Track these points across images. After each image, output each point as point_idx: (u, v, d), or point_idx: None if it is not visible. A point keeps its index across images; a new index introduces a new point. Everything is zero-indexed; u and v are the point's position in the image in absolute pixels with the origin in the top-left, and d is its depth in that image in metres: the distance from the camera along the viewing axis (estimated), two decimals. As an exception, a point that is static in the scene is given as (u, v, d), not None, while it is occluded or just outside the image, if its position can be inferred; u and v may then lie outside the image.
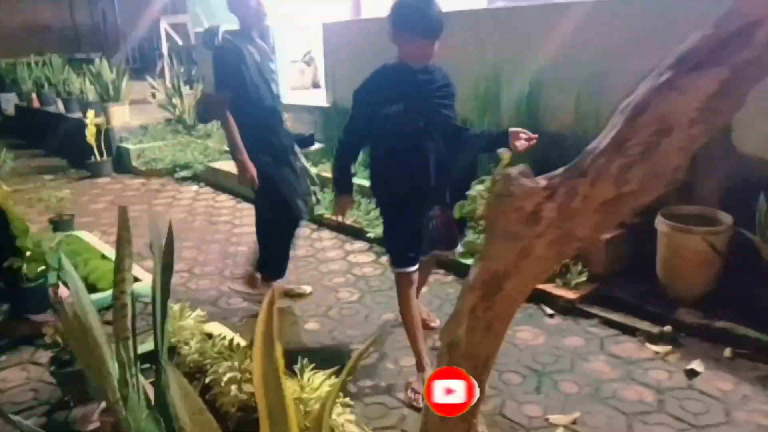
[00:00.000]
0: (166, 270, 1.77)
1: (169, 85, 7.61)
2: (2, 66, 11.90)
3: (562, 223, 1.36)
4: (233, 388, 2.13)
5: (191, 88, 7.44)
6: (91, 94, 7.44)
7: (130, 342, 1.54)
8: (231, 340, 2.43)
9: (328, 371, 2.09)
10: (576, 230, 1.36)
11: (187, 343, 2.64)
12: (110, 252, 4.14)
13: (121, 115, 7.14)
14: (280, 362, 1.09)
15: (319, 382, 2.04)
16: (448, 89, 2.40)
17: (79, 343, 1.51)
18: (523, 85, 3.74)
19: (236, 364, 2.21)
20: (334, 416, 1.95)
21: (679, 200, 3.20)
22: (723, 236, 2.89)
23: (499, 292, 1.48)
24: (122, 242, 1.59)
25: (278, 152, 3.01)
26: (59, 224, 4.66)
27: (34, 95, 9.66)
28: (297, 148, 3.17)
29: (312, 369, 2.10)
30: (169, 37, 8.99)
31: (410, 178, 2.38)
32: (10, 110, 11.07)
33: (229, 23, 3.02)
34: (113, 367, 1.48)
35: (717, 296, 2.92)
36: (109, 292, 3.40)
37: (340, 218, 2.74)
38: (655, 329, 2.84)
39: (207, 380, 2.26)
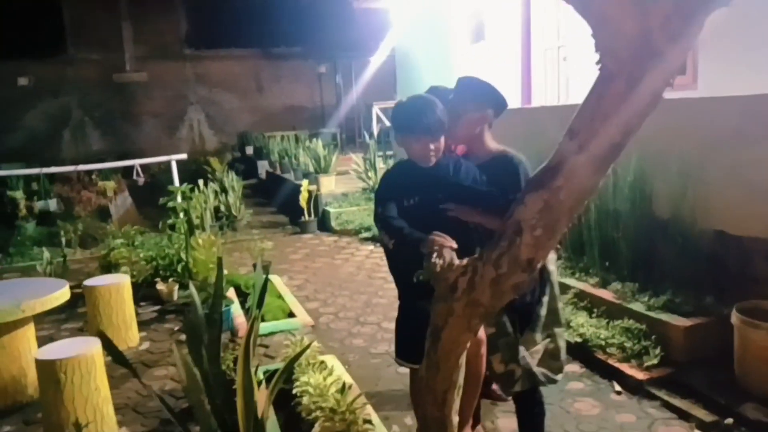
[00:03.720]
0: (259, 305, 2.60)
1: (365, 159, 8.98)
2: (262, 138, 14.84)
3: (471, 292, 1.89)
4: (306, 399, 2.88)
5: (384, 162, 8.69)
6: (311, 166, 9.12)
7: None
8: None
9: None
10: (480, 298, 1.88)
11: (300, 366, 3.45)
12: (286, 293, 5.28)
13: (328, 184, 8.64)
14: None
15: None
16: (468, 176, 2.41)
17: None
18: (627, 172, 3.99)
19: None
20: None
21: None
22: (794, 335, 2.84)
23: (439, 341, 2.03)
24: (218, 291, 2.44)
25: None
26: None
27: (277, 164, 11.95)
28: None
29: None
30: (379, 119, 10.53)
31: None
32: (263, 175, 13.74)
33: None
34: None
35: (792, 397, 2.85)
36: (269, 323, 4.48)
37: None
38: (710, 418, 2.88)
39: (295, 390, 3.05)
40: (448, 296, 1.95)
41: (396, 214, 2.35)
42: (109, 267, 5.79)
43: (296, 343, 3.62)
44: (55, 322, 5.06)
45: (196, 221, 5.93)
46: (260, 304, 2.66)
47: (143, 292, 5.42)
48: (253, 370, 2.62)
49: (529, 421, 2.62)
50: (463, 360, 2.10)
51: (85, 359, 2.97)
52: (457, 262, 1.96)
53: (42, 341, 4.50)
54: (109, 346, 2.34)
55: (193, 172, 11.49)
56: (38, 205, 7.89)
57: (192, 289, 2.57)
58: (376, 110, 10.64)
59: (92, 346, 3.04)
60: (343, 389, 2.71)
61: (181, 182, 8.33)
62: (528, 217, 1.67)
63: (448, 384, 2.13)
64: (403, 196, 2.38)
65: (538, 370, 2.47)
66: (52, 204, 7.96)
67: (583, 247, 4.40)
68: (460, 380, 2.16)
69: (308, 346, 2.39)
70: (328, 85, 17.64)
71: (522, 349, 2.45)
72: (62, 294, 3.53)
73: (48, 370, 2.88)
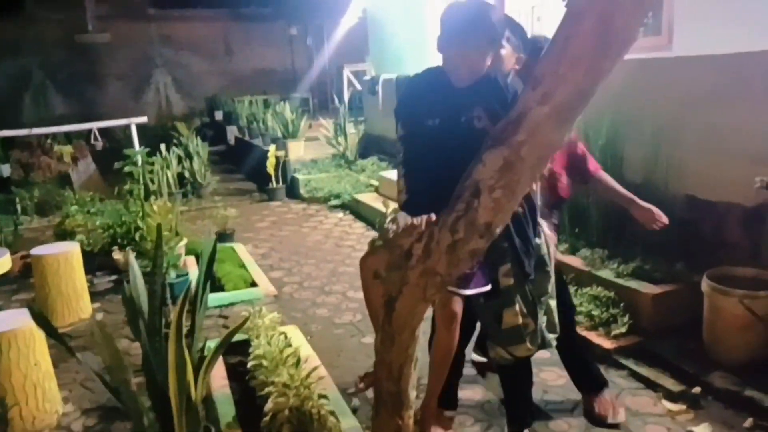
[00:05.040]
0: (206, 278, 2.41)
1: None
2: (231, 103, 14.40)
3: (426, 260, 1.74)
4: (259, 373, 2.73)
5: (355, 128, 8.45)
6: (279, 131, 8.84)
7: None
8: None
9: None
10: (435, 266, 1.73)
11: (258, 337, 3.28)
12: (250, 262, 5.09)
13: (297, 149, 8.38)
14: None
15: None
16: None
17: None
18: (599, 135, 3.86)
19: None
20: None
21: (743, 263, 3.10)
22: (764, 301, 2.76)
23: (393, 312, 1.88)
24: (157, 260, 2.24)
25: None
26: (223, 237, 5.78)
27: (246, 129, 11.60)
28: None
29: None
30: (350, 83, 10.23)
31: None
32: (232, 141, 13.36)
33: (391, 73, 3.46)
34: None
35: (759, 364, 2.79)
36: (229, 293, 4.30)
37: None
38: (678, 388, 2.81)
39: (249, 364, 2.90)
40: (403, 264, 1.80)
41: (414, 150, 2.07)
42: (64, 235, 5.54)
43: (254, 314, 3.46)
44: (6, 293, 4.82)
45: (154, 187, 5.66)
46: (208, 274, 2.48)
47: (99, 261, 5.19)
48: (200, 345, 2.47)
49: (518, 390, 2.52)
50: (419, 332, 1.96)
51: (22, 333, 2.77)
52: (416, 222, 1.78)
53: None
54: (40, 320, 2.16)
55: (160, 137, 11.10)
56: (-12, 170, 7.50)
57: (131, 257, 2.38)
58: (347, 73, 10.33)
59: (32, 319, 2.83)
60: (297, 363, 2.57)
61: (145, 147, 8.03)
62: (486, 177, 1.51)
63: (404, 358, 1.99)
64: (426, 114, 2.03)
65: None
66: (5, 169, 7.59)
67: (554, 213, 4.28)
68: (418, 353, 2.03)
69: (242, 324, 2.16)
70: (300, 48, 17.10)
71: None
72: (1, 263, 3.30)
73: (-19, 345, 2.68)
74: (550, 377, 3.08)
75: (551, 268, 2.34)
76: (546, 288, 2.33)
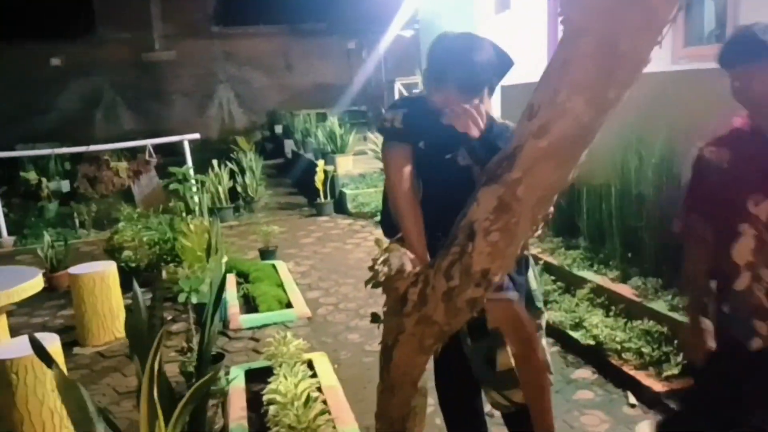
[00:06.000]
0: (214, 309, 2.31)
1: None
2: (289, 117, 14.59)
3: (422, 307, 1.55)
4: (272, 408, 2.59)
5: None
6: (329, 145, 8.80)
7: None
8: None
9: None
10: (432, 315, 1.54)
11: (281, 365, 3.16)
12: (288, 281, 5.01)
13: (345, 164, 8.31)
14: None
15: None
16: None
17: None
18: (652, 153, 3.54)
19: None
20: None
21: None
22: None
23: (391, 361, 1.70)
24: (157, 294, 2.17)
25: None
26: (265, 253, 5.75)
27: (300, 143, 11.68)
28: None
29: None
30: (401, 96, 10.11)
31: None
32: (289, 154, 13.51)
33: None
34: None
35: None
36: (262, 315, 4.22)
37: None
38: (737, 443, 2.48)
39: (264, 398, 2.77)
40: (398, 309, 1.61)
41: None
42: (113, 251, 5.64)
43: (279, 341, 3.34)
44: (52, 308, 4.94)
45: (195, 205, 5.69)
46: (216, 306, 2.38)
47: (144, 277, 5.24)
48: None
49: None
50: (423, 383, 1.77)
51: (38, 359, 2.75)
52: (409, 267, 1.62)
53: (36, 329, 4.38)
54: (39, 350, 2.11)
55: (221, 151, 11.35)
56: (51, 186, 7.80)
57: (135, 287, 2.30)
58: (398, 86, 10.21)
59: (49, 343, 2.81)
60: (307, 401, 2.42)
61: (202, 162, 8.18)
62: (481, 218, 1.31)
63: (407, 410, 1.80)
64: (416, 135, 1.88)
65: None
66: (65, 185, 7.88)
67: (603, 236, 3.97)
68: (424, 404, 1.84)
69: (210, 380, 1.91)
70: (357, 62, 17.17)
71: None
72: (32, 285, 3.31)
73: (-2, 370, 2.68)
74: (591, 422, 2.79)
75: (541, 303, 2.11)
76: (539, 326, 2.09)
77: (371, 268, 1.61)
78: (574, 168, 1.20)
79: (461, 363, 2.05)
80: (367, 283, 1.68)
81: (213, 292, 2.40)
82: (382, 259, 1.62)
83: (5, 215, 7.22)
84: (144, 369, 2.05)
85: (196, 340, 3.17)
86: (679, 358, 2.92)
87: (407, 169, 1.87)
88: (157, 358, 1.65)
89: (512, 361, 2.02)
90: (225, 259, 5.06)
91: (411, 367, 1.69)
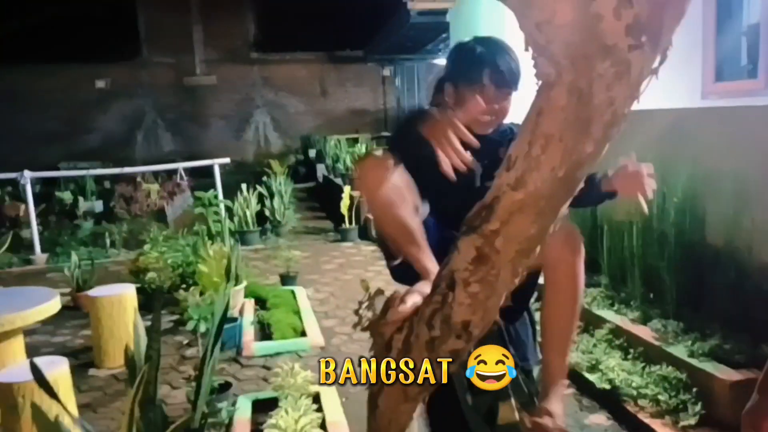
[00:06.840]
0: (216, 336, 2.31)
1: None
2: (322, 141, 14.76)
3: (405, 356, 1.51)
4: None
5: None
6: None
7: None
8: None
9: None
10: (417, 364, 1.49)
11: (286, 398, 3.13)
12: (305, 308, 5.00)
13: (372, 191, 8.31)
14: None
15: None
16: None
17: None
18: (674, 191, 3.43)
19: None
20: None
21: None
22: None
23: (377, 409, 1.66)
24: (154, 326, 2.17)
25: None
26: (286, 279, 5.77)
27: (331, 168, 11.78)
28: None
29: None
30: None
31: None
32: (321, 178, 13.65)
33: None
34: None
35: None
36: (275, 342, 4.21)
37: None
38: (756, 504, 2.33)
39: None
40: (383, 356, 1.58)
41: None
42: (138, 272, 5.74)
43: (287, 371, 3.32)
44: (75, 327, 5.03)
45: (217, 229, 5.76)
46: (217, 337, 2.38)
47: (165, 299, 5.31)
48: (202, 410, 2.34)
49: None
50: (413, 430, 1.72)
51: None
52: (395, 317, 1.58)
53: (56, 348, 4.46)
54: (38, 378, 2.14)
55: (255, 174, 11.55)
56: (85, 205, 8.02)
57: (137, 319, 2.32)
58: (429, 114, 10.23)
59: (57, 367, 2.85)
60: (305, 438, 2.39)
61: (235, 184, 8.33)
62: (461, 268, 1.27)
63: (393, 458, 1.76)
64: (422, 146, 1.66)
65: None
66: (98, 205, 8.09)
67: (625, 274, 3.85)
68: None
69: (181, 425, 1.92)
70: (392, 88, 17.36)
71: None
72: (49, 307, 3.38)
73: (5, 393, 2.71)
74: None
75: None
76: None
77: (356, 312, 1.59)
78: (554, 222, 1.16)
79: (456, 415, 1.98)
80: (354, 327, 1.65)
81: (214, 324, 2.39)
82: (366, 303, 1.59)
83: (40, 233, 7.44)
84: (141, 403, 2.07)
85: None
86: (697, 408, 2.79)
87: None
88: (138, 396, 1.64)
89: (515, 415, 1.95)
90: (244, 284, 5.10)
91: (397, 414, 1.65)
